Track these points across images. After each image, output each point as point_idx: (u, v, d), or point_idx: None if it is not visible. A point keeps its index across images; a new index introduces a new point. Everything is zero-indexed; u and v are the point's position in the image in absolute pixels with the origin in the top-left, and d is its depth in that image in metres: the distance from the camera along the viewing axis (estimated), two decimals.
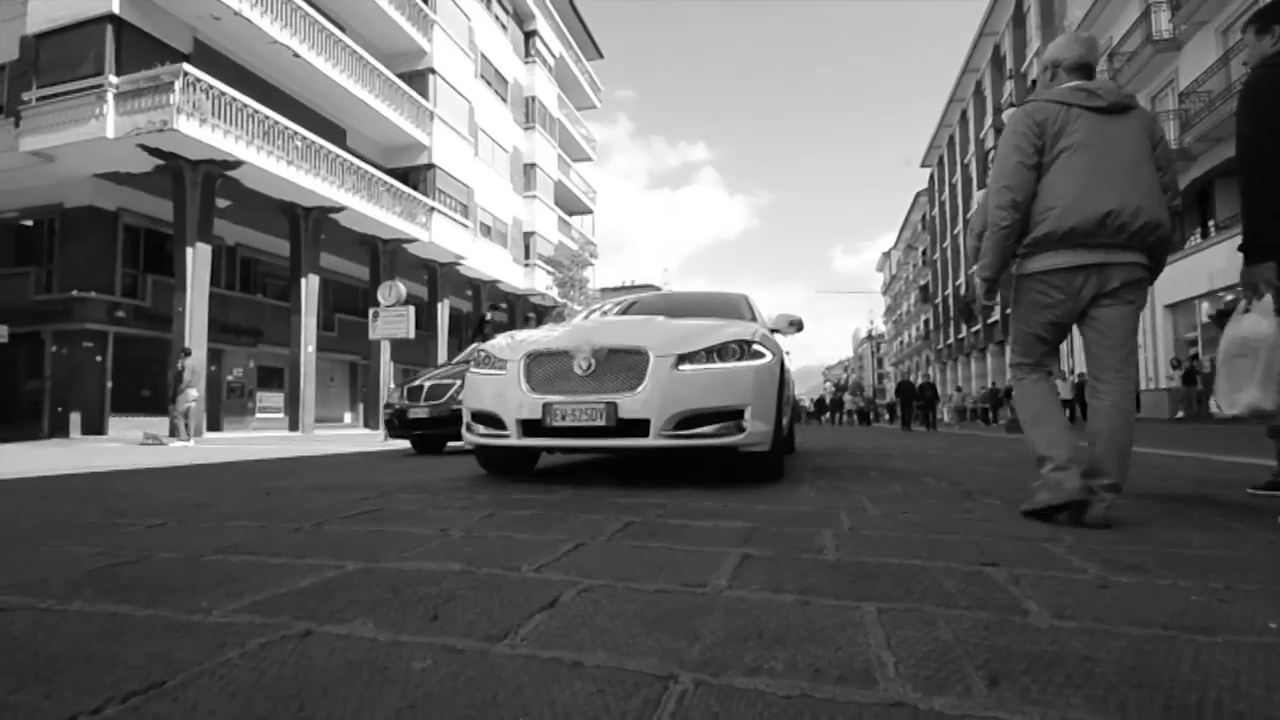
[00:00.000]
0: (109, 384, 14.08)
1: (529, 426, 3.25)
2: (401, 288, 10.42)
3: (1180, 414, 16.47)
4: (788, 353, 5.57)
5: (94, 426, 13.56)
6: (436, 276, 20.25)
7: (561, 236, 28.48)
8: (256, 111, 12.37)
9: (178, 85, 10.88)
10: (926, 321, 48.49)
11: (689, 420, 3.10)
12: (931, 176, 47.36)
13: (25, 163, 12.27)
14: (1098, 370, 2.30)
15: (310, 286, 14.92)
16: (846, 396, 38.13)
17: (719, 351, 3.26)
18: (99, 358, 13.91)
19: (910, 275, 56.77)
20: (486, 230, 22.51)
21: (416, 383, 6.46)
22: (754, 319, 4.42)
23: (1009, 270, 2.40)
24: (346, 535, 2.08)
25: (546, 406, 3.16)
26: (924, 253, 50.57)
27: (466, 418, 3.67)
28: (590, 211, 33.36)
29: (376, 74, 16.23)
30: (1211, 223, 17.41)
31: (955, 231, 39.76)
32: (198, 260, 12.22)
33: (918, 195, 52.54)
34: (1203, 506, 2.74)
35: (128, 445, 9.92)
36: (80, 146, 11.64)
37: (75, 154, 12.02)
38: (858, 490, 3.28)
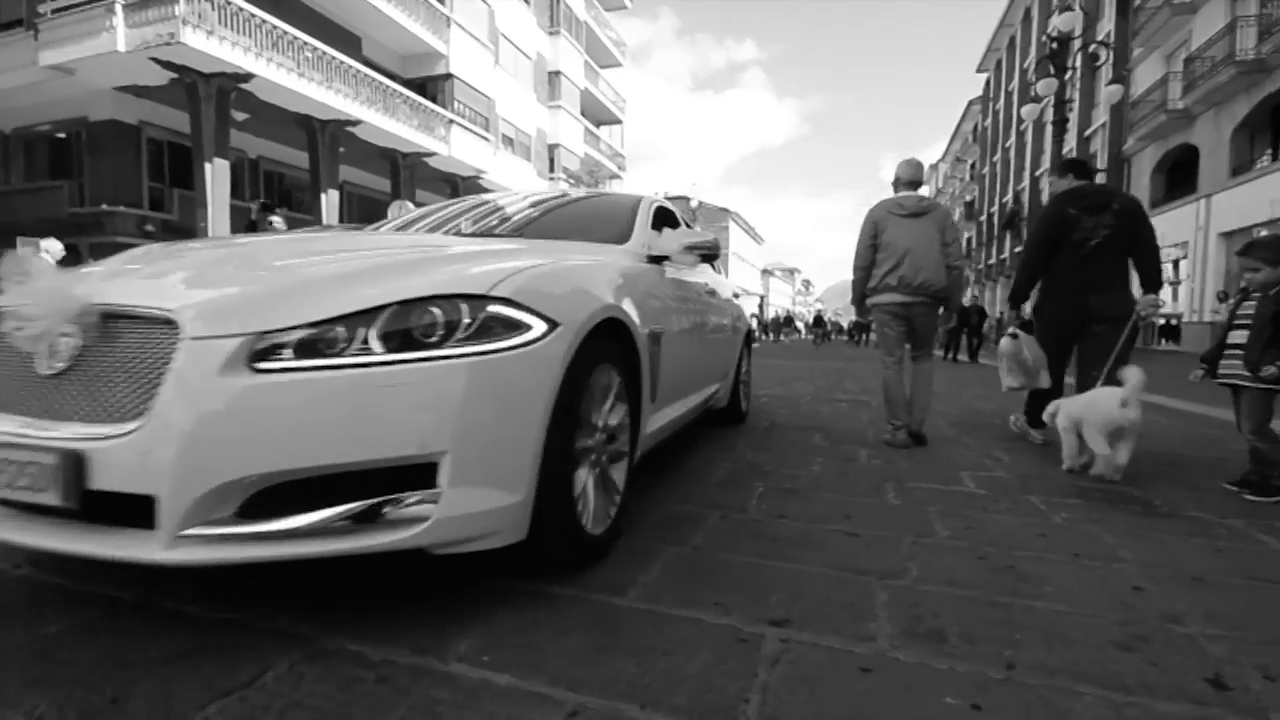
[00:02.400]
0: None
1: None
2: (410, 206, 10.43)
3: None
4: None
5: None
6: (459, 190, 20.07)
7: (588, 148, 27.70)
8: (265, 21, 12.05)
9: None
10: (970, 239, 46.58)
11: (278, 495, 1.35)
12: (987, 82, 44.08)
13: (47, 76, 12.32)
14: (916, 355, 4.18)
15: (330, 201, 14.99)
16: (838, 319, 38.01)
17: (395, 327, 1.43)
18: None
19: (956, 190, 54.04)
20: (509, 143, 22.01)
21: None
22: (633, 241, 2.73)
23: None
24: None
25: None
26: (972, 166, 47.88)
27: None
28: (619, 122, 32.20)
29: None
30: None
31: (1007, 144, 37.38)
32: (216, 174, 12.33)
33: (970, 103, 49.15)
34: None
35: None
36: (96, 60, 11.60)
37: (93, 67, 12.00)
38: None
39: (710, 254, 2.82)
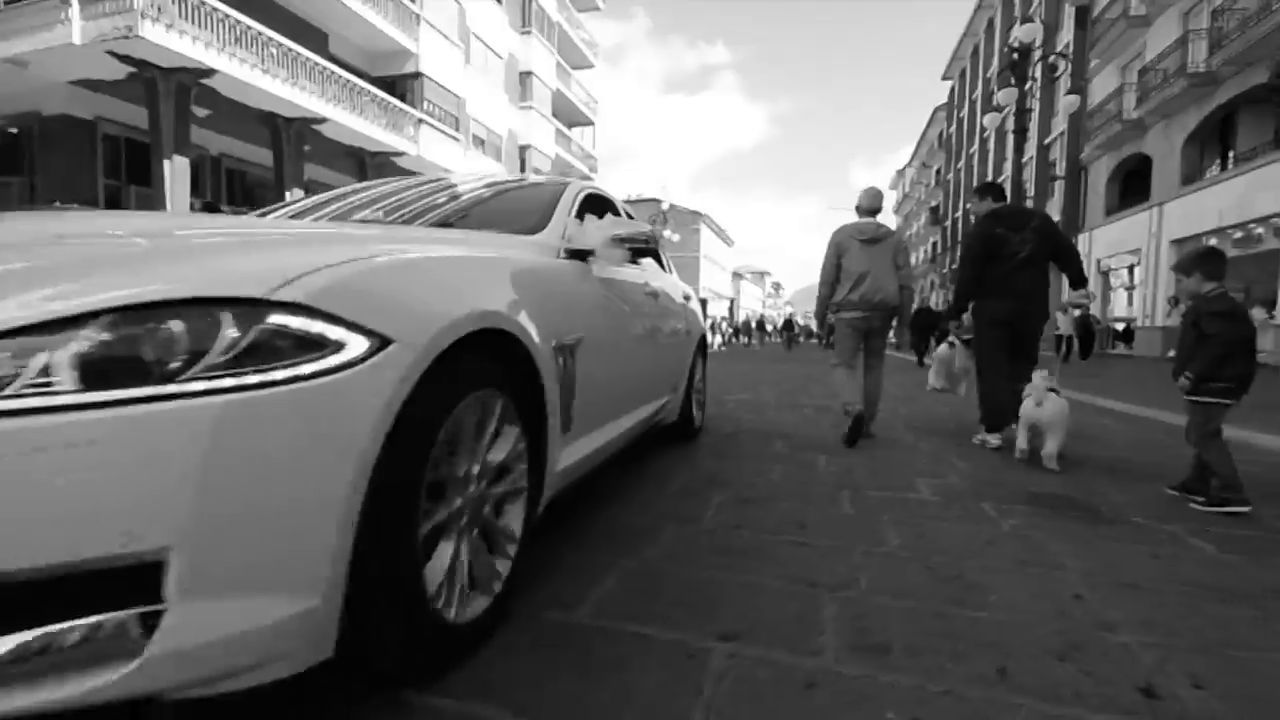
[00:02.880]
0: None
1: None
2: None
3: (1171, 353, 16.41)
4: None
5: None
6: None
7: (559, 150, 27.59)
8: (227, 16, 11.76)
9: None
10: (935, 244, 47.50)
11: None
12: (952, 90, 45.02)
13: (1, 68, 11.85)
14: (870, 360, 4.64)
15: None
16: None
17: (101, 350, 0.92)
18: None
19: (923, 195, 55.08)
20: (479, 143, 21.81)
21: None
22: (547, 232, 2.29)
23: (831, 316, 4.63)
24: None
25: None
26: (938, 172, 48.84)
27: None
28: (591, 124, 32.12)
29: None
30: (1231, 154, 16.66)
31: (971, 151, 38.20)
32: (176, 172, 11.98)
33: (936, 110, 50.13)
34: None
35: None
36: (50, 53, 11.18)
37: (48, 60, 11.56)
38: None
39: (643, 248, 2.48)
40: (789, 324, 33.15)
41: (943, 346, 4.80)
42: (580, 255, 2.33)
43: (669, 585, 1.93)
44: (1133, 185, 20.80)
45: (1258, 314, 13.39)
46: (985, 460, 3.94)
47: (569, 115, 30.09)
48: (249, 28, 12.28)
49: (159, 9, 10.62)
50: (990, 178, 32.86)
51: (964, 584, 1.97)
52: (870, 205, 4.57)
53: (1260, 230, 15.00)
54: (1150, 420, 5.84)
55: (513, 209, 2.51)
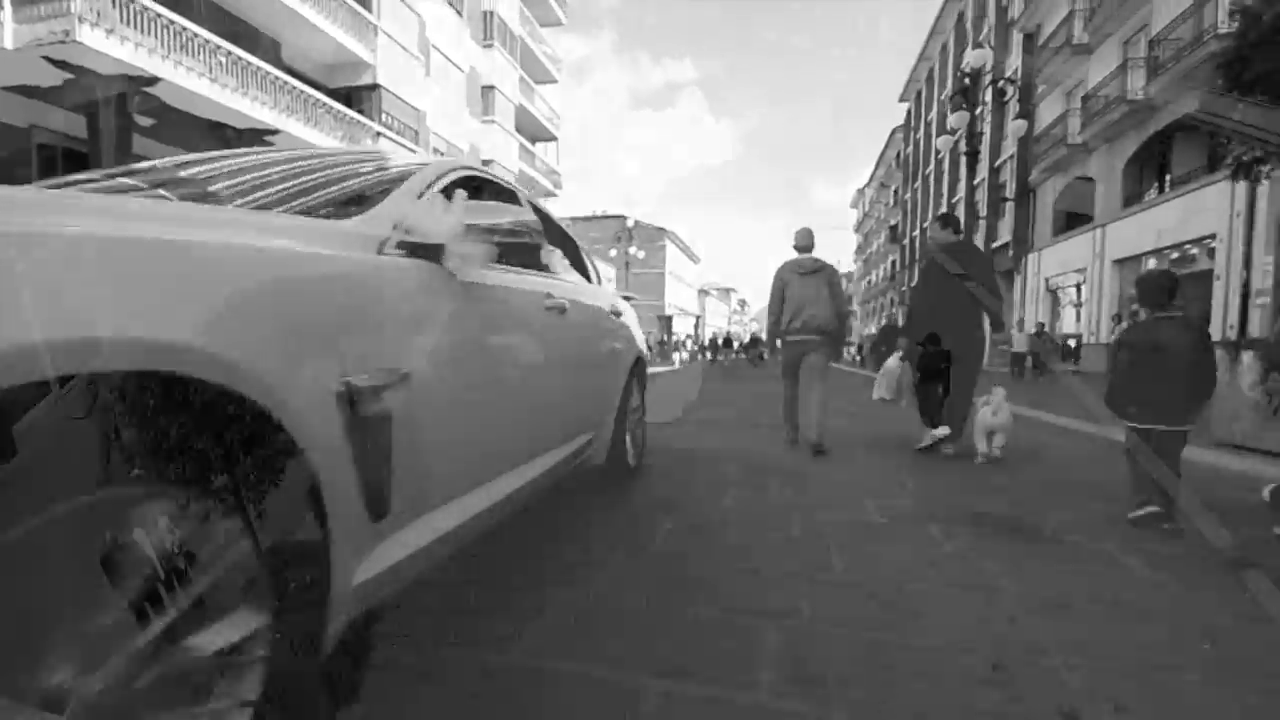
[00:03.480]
0: None
1: None
2: None
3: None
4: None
5: None
6: None
7: (523, 165, 27.52)
8: (173, 22, 11.44)
9: None
10: (894, 262, 48.68)
11: None
12: (909, 112, 46.39)
13: None
14: (813, 379, 5.03)
15: None
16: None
17: None
18: None
19: (882, 214, 56.48)
20: (439, 157, 21.61)
21: None
22: (367, 218, 1.57)
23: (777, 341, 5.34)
24: None
25: None
26: (896, 192, 50.15)
27: None
28: (555, 139, 32.15)
29: None
30: (1168, 177, 17.48)
31: (927, 172, 39.35)
32: None
33: (894, 131, 51.59)
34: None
35: None
36: None
37: None
38: None
39: (517, 242, 1.96)
40: (755, 341, 33.51)
41: (891, 360, 5.35)
42: (427, 252, 1.62)
43: (609, 619, 1.88)
44: (1079, 206, 21.66)
45: None
46: (935, 477, 3.99)
47: (532, 130, 30.07)
48: (195, 35, 11.96)
49: (99, 14, 10.27)
50: (946, 198, 33.89)
51: (903, 609, 1.97)
52: (804, 244, 5.26)
53: (1195, 251, 15.75)
54: (1094, 436, 6.02)
55: (339, 187, 1.80)
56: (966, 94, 14.37)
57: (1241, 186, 11.75)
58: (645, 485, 3.65)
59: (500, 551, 2.41)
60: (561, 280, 2.80)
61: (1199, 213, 15.15)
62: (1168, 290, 3.09)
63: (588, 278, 3.47)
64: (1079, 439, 5.94)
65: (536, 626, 1.81)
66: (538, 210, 2.92)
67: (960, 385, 4.77)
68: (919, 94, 42.95)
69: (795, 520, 2.98)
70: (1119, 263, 18.55)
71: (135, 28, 10.92)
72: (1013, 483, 3.80)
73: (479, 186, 2.25)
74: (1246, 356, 4.89)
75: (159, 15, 11.30)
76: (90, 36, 10.13)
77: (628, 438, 3.71)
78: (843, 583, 2.19)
